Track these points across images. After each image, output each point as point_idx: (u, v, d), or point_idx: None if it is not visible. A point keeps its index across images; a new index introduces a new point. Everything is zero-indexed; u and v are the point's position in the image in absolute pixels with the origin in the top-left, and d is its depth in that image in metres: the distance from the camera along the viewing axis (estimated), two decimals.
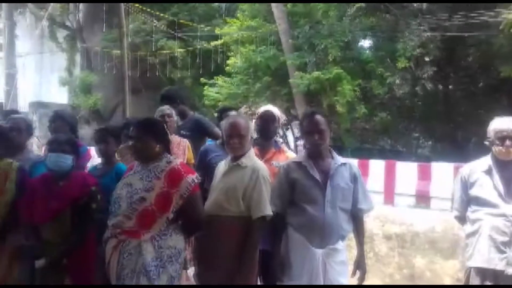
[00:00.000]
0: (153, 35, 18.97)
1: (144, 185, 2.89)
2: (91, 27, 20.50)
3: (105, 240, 2.94)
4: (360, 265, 3.22)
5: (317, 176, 3.13)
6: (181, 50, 19.10)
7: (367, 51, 11.63)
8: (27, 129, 3.95)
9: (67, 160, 3.23)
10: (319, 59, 11.62)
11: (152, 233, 2.85)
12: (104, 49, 19.02)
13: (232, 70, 13.73)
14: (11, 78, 13.93)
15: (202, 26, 17.79)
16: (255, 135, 3.57)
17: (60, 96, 21.27)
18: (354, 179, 3.20)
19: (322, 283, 3.03)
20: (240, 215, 3.09)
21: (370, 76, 11.96)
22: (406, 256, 4.37)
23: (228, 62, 13.86)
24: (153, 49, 19.15)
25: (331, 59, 11.40)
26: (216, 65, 16.23)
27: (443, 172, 7.88)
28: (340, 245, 3.12)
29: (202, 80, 14.74)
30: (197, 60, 18.03)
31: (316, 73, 11.03)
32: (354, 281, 3.24)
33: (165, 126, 4.20)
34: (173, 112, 4.72)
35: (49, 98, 21.45)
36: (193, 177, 2.94)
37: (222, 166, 3.30)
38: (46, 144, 3.33)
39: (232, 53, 14.75)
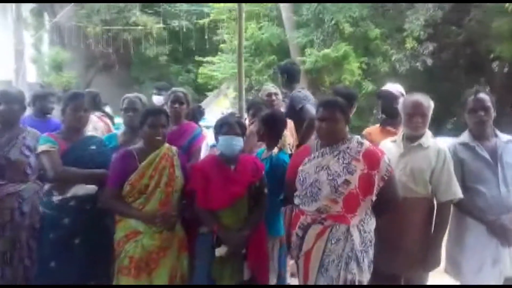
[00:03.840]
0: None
1: (344, 168, 2.77)
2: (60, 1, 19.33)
3: (303, 227, 2.82)
4: None
5: (487, 156, 3.12)
6: (159, 26, 18.42)
7: (374, 28, 11.67)
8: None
9: (239, 142, 3.06)
10: (327, 36, 11.58)
11: (359, 217, 2.77)
12: (79, 24, 18.00)
13: (230, 48, 13.44)
14: (19, 55, 12.89)
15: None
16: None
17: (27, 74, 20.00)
18: None
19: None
20: (426, 197, 3.08)
21: (373, 54, 12.10)
22: None
23: (225, 38, 13.52)
24: (127, 25, 18.43)
25: (339, 36, 11.41)
26: (201, 43, 15.86)
27: None
28: None
29: (197, 58, 14.34)
30: (178, 37, 17.57)
31: (326, 50, 11.00)
32: None
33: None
34: (279, 91, 4.57)
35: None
36: (388, 157, 2.88)
37: (391, 146, 3.23)
38: (215, 126, 3.12)
39: (223, 30, 14.44)
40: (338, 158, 2.81)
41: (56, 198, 3.10)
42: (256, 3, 12.66)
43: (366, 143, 2.89)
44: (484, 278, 3.08)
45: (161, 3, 18.05)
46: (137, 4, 18.63)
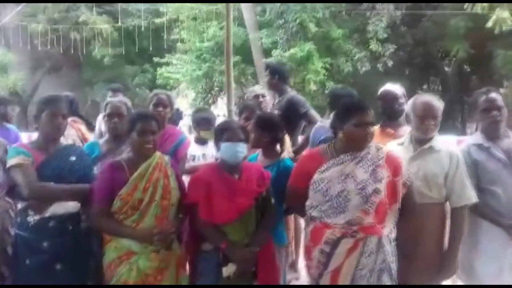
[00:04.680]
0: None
1: (371, 175, 2.54)
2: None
3: (332, 242, 2.54)
4: None
5: (503, 156, 2.98)
6: (112, 25, 17.61)
7: (337, 28, 11.64)
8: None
9: (243, 149, 2.76)
10: (290, 36, 11.42)
11: (389, 227, 2.58)
12: (24, 23, 16.90)
13: (189, 48, 13.04)
14: None
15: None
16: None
17: None
18: None
19: None
20: (440, 202, 2.91)
21: (336, 53, 12.06)
22: None
23: (184, 38, 13.07)
24: (76, 24, 17.56)
25: (302, 36, 11.29)
26: (156, 42, 15.28)
27: None
28: None
29: (156, 60, 13.79)
30: (131, 37, 16.87)
31: (293, 50, 10.83)
32: None
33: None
34: (266, 92, 4.28)
35: None
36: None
37: (399, 149, 3.02)
38: (216, 132, 2.80)
39: (179, 29, 14.00)
40: (362, 165, 2.58)
41: (32, 218, 2.65)
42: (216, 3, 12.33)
43: (384, 148, 2.69)
44: (501, 284, 2.93)
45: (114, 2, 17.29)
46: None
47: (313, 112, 4.25)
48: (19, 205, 2.71)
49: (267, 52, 11.59)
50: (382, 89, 3.70)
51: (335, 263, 2.52)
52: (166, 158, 2.82)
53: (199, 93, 13.87)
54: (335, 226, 2.53)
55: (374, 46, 11.03)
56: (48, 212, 2.66)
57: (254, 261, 2.68)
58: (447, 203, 2.96)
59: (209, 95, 13.58)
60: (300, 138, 4.40)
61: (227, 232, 2.67)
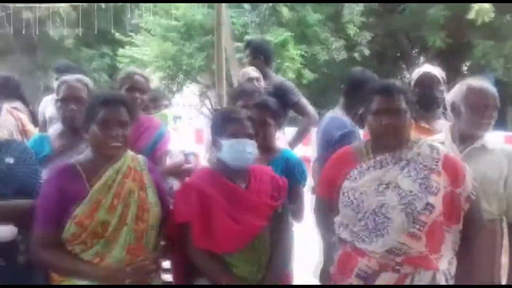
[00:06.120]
0: None
1: (422, 185, 1.89)
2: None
3: (366, 276, 1.87)
4: None
5: None
6: (65, 4, 16.29)
7: (312, 14, 11.00)
8: None
9: (254, 148, 2.02)
10: (263, 20, 10.71)
11: (447, 257, 1.93)
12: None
13: (152, 28, 12.10)
14: None
15: None
16: None
17: None
18: None
19: None
20: (499, 218, 2.28)
21: (311, 41, 11.46)
22: None
23: (149, 19, 12.09)
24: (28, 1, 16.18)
25: (277, 21, 10.62)
26: (117, 24, 14.24)
27: None
28: None
29: (118, 37, 12.75)
30: (89, 17, 15.70)
31: (268, 36, 10.11)
32: None
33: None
34: (261, 76, 3.54)
35: None
36: None
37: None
38: (215, 124, 2.04)
39: (142, 10, 13.00)
40: (409, 170, 1.91)
41: None
42: None
43: (441, 148, 2.03)
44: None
45: None
46: None
47: (306, 101, 3.63)
48: None
49: (237, 37, 10.81)
50: (419, 71, 3.04)
51: None
52: (142, 160, 2.04)
53: (162, 79, 12.89)
54: (371, 255, 1.87)
55: (351, 30, 10.48)
56: None
57: None
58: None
59: (174, 81, 12.66)
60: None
61: (231, 264, 1.93)
